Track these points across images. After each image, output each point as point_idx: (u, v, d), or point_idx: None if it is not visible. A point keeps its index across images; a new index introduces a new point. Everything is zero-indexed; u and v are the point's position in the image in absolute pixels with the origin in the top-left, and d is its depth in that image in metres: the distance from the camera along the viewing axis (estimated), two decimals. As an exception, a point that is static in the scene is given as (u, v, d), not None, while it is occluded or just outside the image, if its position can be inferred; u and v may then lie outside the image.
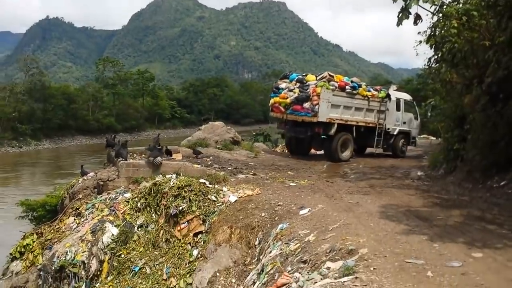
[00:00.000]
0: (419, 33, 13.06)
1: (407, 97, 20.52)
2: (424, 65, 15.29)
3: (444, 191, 11.57)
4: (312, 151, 19.64)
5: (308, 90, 16.72)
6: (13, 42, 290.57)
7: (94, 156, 41.91)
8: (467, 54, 10.91)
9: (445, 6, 10.49)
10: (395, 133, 19.13)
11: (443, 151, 14.35)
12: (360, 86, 17.56)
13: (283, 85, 18.10)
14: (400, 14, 8.11)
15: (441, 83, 14.40)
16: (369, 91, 17.81)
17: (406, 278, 5.10)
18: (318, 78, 17.20)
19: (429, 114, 25.78)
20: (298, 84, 17.41)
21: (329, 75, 17.23)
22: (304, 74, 18.26)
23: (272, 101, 18.19)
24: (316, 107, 16.24)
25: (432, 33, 11.50)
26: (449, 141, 13.73)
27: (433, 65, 14.12)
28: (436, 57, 12.80)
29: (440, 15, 10.78)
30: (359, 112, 17.60)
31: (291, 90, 17.44)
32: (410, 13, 7.95)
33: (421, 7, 8.31)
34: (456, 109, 13.38)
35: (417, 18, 8.42)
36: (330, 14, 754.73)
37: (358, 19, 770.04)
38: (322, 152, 18.46)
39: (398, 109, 19.25)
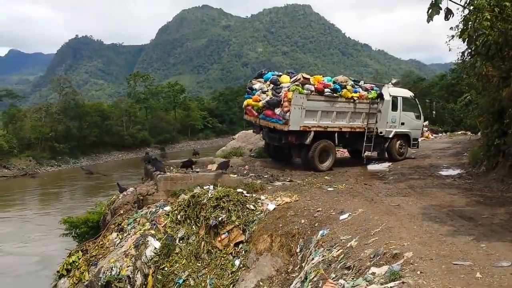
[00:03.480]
0: (451, 28, 12.80)
1: (407, 94, 17.97)
2: (458, 59, 15.00)
3: (487, 188, 11.32)
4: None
5: (280, 94, 14.86)
6: (45, 62, 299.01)
7: (133, 170, 42.63)
8: (502, 46, 10.60)
9: (475, -2, 10.26)
10: (390, 136, 17.00)
11: (483, 147, 13.99)
12: (344, 87, 15.49)
13: (257, 85, 16.26)
14: (430, 10, 7.97)
15: (477, 77, 14.10)
16: (355, 91, 15.72)
17: (454, 281, 5.02)
18: (291, 80, 15.31)
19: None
20: (271, 86, 15.54)
21: (303, 77, 15.23)
22: (279, 74, 16.23)
23: (245, 103, 16.41)
24: (287, 114, 14.45)
25: (465, 27, 11.26)
26: (489, 136, 13.37)
27: (467, 59, 13.81)
28: (470, 50, 12.51)
29: (471, 7, 10.54)
30: (342, 116, 15.58)
31: (264, 92, 15.66)
32: (440, 8, 7.79)
33: (452, 1, 8.14)
34: (494, 103, 13.03)
35: (448, 12, 8.21)
36: (356, 14, 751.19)
37: (385, 16, 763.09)
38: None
39: (394, 109, 16.96)
